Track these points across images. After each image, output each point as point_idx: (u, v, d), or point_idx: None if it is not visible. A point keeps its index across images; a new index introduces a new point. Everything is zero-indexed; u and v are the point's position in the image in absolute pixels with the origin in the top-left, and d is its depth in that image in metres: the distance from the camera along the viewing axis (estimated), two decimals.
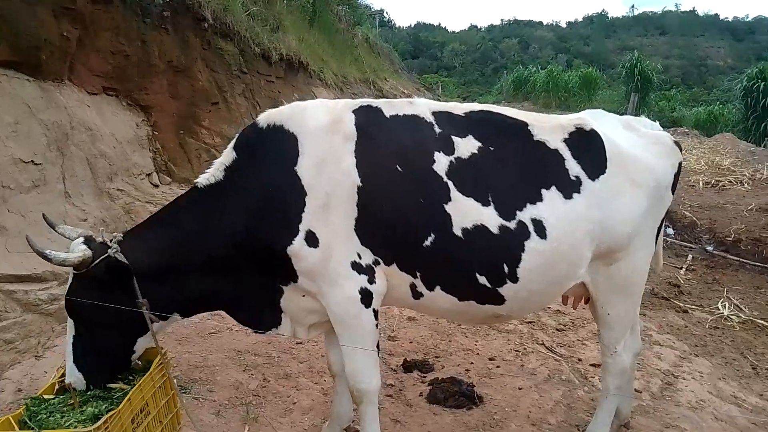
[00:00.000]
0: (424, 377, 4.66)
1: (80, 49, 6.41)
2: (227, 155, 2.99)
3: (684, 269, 8.80)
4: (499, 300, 3.03)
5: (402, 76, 26.30)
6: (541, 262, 2.95)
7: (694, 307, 7.27)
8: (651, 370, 5.17)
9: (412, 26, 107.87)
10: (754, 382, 5.41)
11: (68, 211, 5.72)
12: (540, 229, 2.93)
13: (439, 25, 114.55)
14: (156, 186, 7.38)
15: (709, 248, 9.87)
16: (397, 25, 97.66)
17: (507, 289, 2.98)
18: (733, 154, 17.77)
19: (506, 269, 2.93)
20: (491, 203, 2.90)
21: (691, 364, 5.45)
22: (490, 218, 2.89)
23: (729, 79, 31.96)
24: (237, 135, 3.07)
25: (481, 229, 2.88)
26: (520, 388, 4.58)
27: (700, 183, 13.69)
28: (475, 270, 2.95)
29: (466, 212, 2.88)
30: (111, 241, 2.87)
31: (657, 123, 3.59)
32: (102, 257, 2.79)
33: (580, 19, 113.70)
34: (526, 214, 2.93)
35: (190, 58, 8.13)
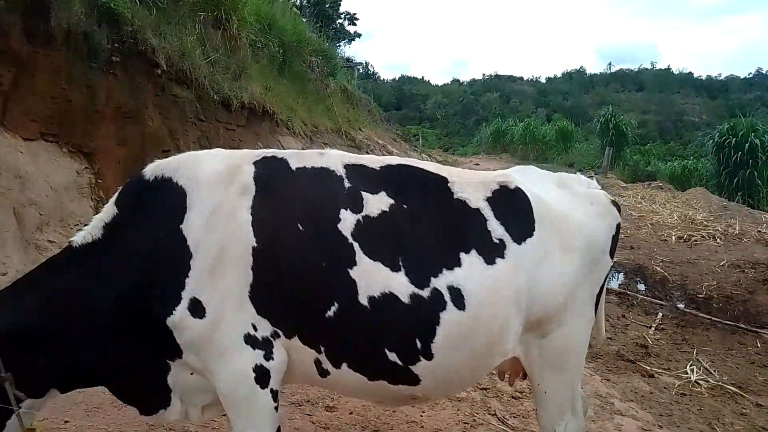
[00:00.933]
0: None
1: (15, 91, 6.10)
2: (107, 211, 2.63)
3: (653, 328, 8.45)
4: (413, 380, 2.66)
5: (379, 127, 26.31)
6: (459, 335, 2.60)
7: (661, 371, 6.89)
8: None
9: (396, 79, 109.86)
10: None
11: None
12: (458, 298, 2.58)
13: (423, 78, 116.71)
14: None
15: (680, 305, 9.60)
16: (382, 78, 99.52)
17: (421, 368, 2.61)
18: (706, 208, 17.82)
19: (419, 344, 2.57)
20: (402, 268, 2.56)
21: None
22: (401, 285, 2.54)
23: (702, 134, 32.42)
24: (120, 188, 2.72)
25: (390, 298, 2.53)
26: None
27: (673, 237, 13.58)
28: (384, 345, 2.58)
29: (373, 278, 2.53)
30: None
31: (594, 181, 3.30)
32: None
33: (559, 75, 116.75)
34: (442, 280, 2.59)
35: (141, 103, 7.84)
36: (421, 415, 4.91)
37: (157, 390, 2.74)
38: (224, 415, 2.79)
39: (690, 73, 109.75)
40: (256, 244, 2.50)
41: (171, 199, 2.57)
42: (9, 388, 2.42)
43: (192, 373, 2.68)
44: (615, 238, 3.04)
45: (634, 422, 5.26)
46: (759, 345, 7.98)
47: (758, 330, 8.45)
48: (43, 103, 6.49)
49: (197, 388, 2.73)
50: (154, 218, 2.58)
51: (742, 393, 6.37)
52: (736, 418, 5.81)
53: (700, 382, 6.57)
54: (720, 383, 6.55)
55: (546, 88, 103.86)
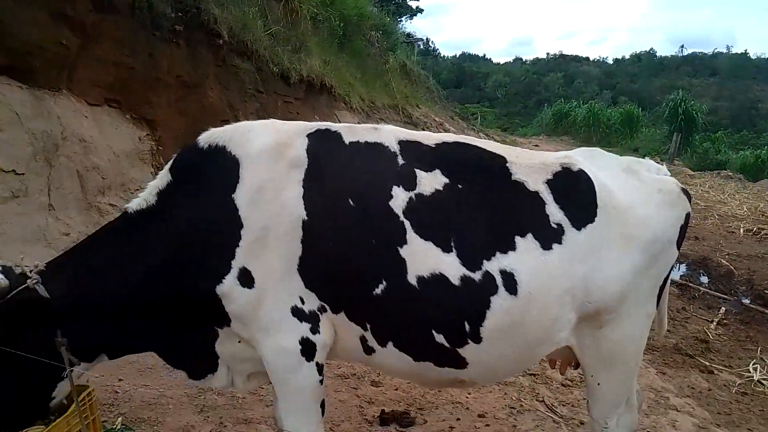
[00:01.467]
0: None
1: (81, 58, 6.24)
2: (162, 177, 2.63)
3: (715, 323, 8.11)
4: (460, 363, 2.58)
5: (437, 105, 25.97)
6: (510, 321, 2.50)
7: (721, 367, 6.60)
8: None
9: (457, 56, 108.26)
10: None
11: (50, 224, 5.49)
12: (510, 283, 2.48)
13: (484, 56, 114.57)
14: None
15: (746, 301, 9.17)
16: (442, 55, 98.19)
17: (469, 351, 2.54)
18: None
19: (468, 328, 2.49)
20: (453, 249, 2.48)
21: None
22: (451, 267, 2.46)
23: None
24: (175, 155, 2.72)
25: (439, 279, 2.45)
26: None
27: (741, 230, 12.97)
28: (431, 326, 2.51)
29: (423, 258, 2.46)
30: (31, 271, 2.50)
31: (664, 167, 3.10)
32: (19, 288, 2.44)
33: (627, 57, 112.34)
34: (495, 264, 2.49)
35: (201, 73, 7.94)
36: (467, 397, 4.84)
37: (205, 356, 2.76)
38: (270, 384, 2.80)
39: None
40: (306, 218, 2.47)
41: (224, 168, 2.55)
42: (64, 353, 2.47)
43: (239, 342, 2.68)
44: (683, 229, 2.85)
45: (690, 419, 5.05)
46: None
47: None
48: (107, 70, 6.63)
49: (243, 356, 2.74)
50: (207, 187, 2.57)
51: None
52: None
53: (763, 381, 6.26)
54: None
55: (613, 70, 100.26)
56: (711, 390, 5.94)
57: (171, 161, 2.68)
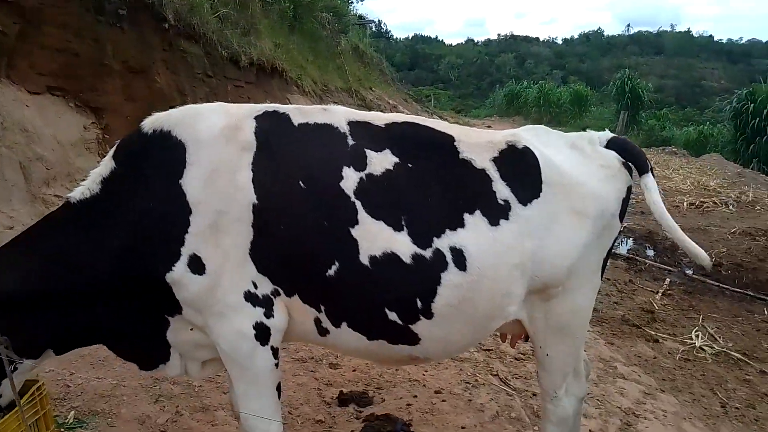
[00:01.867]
0: (360, 412, 4.25)
1: (21, 44, 6.03)
2: (106, 165, 2.57)
3: (660, 294, 8.44)
4: (413, 339, 2.64)
5: (391, 87, 25.95)
6: (460, 297, 2.56)
7: (666, 336, 6.90)
8: (611, 408, 4.78)
9: (410, 38, 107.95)
10: (723, 423, 5.04)
11: None
12: (460, 259, 2.54)
13: (436, 38, 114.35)
14: None
15: (689, 272, 9.55)
16: (395, 37, 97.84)
17: (421, 327, 2.59)
18: (720, 175, 17.60)
19: (419, 304, 2.54)
20: (404, 228, 2.52)
21: (655, 401, 5.07)
22: (403, 245, 2.50)
23: (720, 100, 31.77)
24: (118, 142, 2.67)
25: (391, 258, 2.49)
26: (463, 428, 4.18)
27: (685, 204, 13.45)
28: (384, 305, 2.56)
29: (375, 238, 2.49)
30: None
31: (607, 131, 3.17)
32: None
33: (576, 37, 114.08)
34: (445, 241, 2.54)
35: (148, 58, 7.76)
36: (424, 374, 4.94)
37: (156, 346, 2.74)
38: (226, 371, 2.80)
39: (711, 36, 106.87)
40: (257, 202, 2.46)
41: (170, 153, 2.51)
42: (4, 351, 2.39)
43: (192, 329, 2.68)
44: (626, 202, 2.96)
45: (637, 386, 5.28)
46: (766, 313, 7.95)
47: (766, 298, 8.41)
48: (50, 56, 6.43)
49: (197, 344, 2.74)
50: (152, 173, 2.52)
51: (746, 360, 6.37)
52: (739, 384, 5.83)
53: (704, 348, 6.58)
54: (725, 350, 6.56)
55: (562, 50, 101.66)
56: (656, 358, 6.21)
57: (114, 148, 2.62)
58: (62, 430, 3.39)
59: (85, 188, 2.55)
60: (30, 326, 2.52)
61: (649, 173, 2.99)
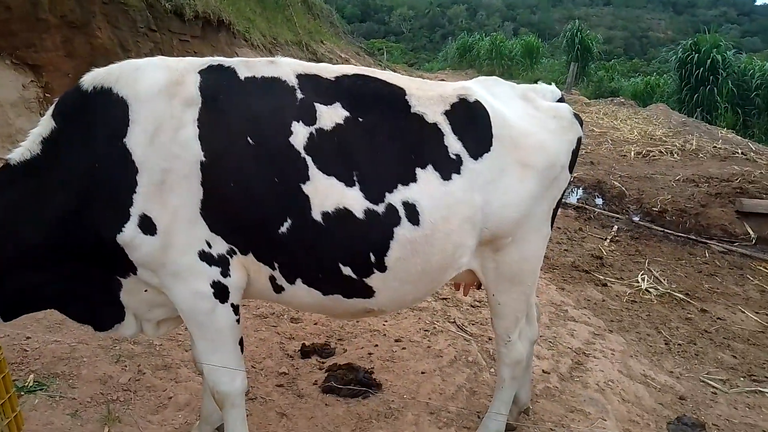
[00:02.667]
0: (323, 363, 4.34)
1: None
2: (45, 124, 2.48)
3: (608, 240, 8.77)
4: (368, 292, 2.70)
5: (342, 40, 25.48)
6: (413, 250, 2.62)
7: (614, 280, 7.22)
8: (562, 348, 5.01)
9: None
10: (665, 358, 5.36)
11: None
12: (412, 213, 2.58)
13: None
14: None
15: (636, 219, 9.92)
16: None
17: (375, 280, 2.65)
18: (665, 124, 18.06)
19: (373, 258, 2.59)
20: (356, 183, 2.53)
21: (604, 341, 5.33)
22: (355, 201, 2.52)
23: (666, 50, 32.35)
24: (56, 100, 2.57)
25: (343, 213, 2.51)
26: (423, 373, 4.33)
27: (632, 153, 13.80)
28: (338, 260, 2.59)
29: (327, 194, 2.50)
30: None
31: (553, 85, 3.25)
32: None
33: None
34: (397, 196, 2.57)
35: (88, 12, 7.38)
36: (384, 324, 5.06)
37: (110, 307, 2.72)
38: (186, 328, 2.81)
39: None
40: (204, 159, 2.41)
41: (112, 112, 2.43)
42: None
43: (146, 291, 2.66)
44: (575, 153, 3.05)
45: (587, 328, 5.53)
46: (707, 255, 8.37)
47: (707, 241, 8.84)
48: None
49: (151, 303, 2.73)
50: (95, 132, 2.44)
51: (689, 300, 6.74)
52: (681, 322, 6.17)
53: (650, 290, 6.92)
54: (669, 291, 6.92)
55: (514, 1, 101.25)
56: (605, 301, 6.51)
57: (53, 106, 2.52)
58: (22, 393, 3.37)
59: (25, 149, 2.47)
60: None
61: None
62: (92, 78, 2.49)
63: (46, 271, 2.54)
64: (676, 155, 13.40)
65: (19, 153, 2.47)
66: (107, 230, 2.43)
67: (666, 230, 9.24)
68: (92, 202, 2.43)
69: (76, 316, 2.77)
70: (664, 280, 7.33)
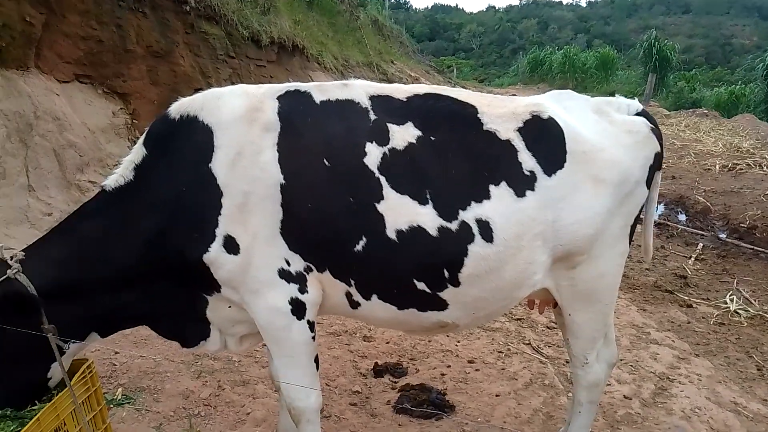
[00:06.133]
0: (396, 383, 4.34)
1: (48, 34, 6.14)
2: (137, 152, 2.63)
3: (693, 259, 8.35)
4: (442, 305, 2.69)
5: (412, 59, 25.73)
6: (486, 267, 2.59)
7: (699, 300, 6.85)
8: (644, 373, 4.79)
9: (429, 8, 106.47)
10: (758, 385, 5.02)
11: (31, 204, 5.48)
12: (485, 230, 2.56)
13: (457, 6, 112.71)
14: None
15: (722, 236, 9.40)
16: (414, 8, 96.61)
17: (449, 294, 2.64)
18: (753, 135, 17.15)
19: (447, 275, 2.59)
20: (429, 201, 2.54)
21: (689, 365, 5.06)
22: (428, 219, 2.53)
23: (752, 58, 30.74)
24: (147, 128, 2.73)
25: (417, 231, 2.52)
26: (497, 395, 4.25)
27: (717, 166, 13.15)
28: (412, 276, 2.60)
29: (400, 212, 2.52)
30: (11, 259, 2.46)
31: (636, 101, 3.15)
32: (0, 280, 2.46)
33: None
34: (470, 213, 2.56)
35: (171, 42, 7.83)
36: (456, 345, 5.01)
37: (197, 324, 2.84)
38: (265, 345, 2.88)
39: None
40: (284, 181, 2.50)
41: (198, 138, 2.56)
42: (52, 339, 2.47)
43: (230, 307, 2.76)
44: (653, 168, 2.94)
45: (671, 351, 5.27)
46: None
47: None
48: (75, 44, 6.54)
49: (235, 319, 2.83)
50: (183, 158, 2.58)
51: None
52: None
53: (739, 312, 6.51)
54: (760, 313, 6.48)
55: (586, 13, 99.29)
56: (690, 323, 6.17)
57: (144, 135, 2.68)
58: (111, 406, 3.55)
59: (119, 176, 2.62)
60: (74, 312, 2.61)
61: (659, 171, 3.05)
62: (178, 107, 2.63)
63: (139, 290, 2.67)
64: (765, 168, 12.65)
65: (113, 179, 2.62)
66: (194, 250, 2.54)
67: (756, 248, 8.69)
68: (182, 224, 2.56)
69: (166, 332, 2.90)
70: (755, 300, 6.89)
